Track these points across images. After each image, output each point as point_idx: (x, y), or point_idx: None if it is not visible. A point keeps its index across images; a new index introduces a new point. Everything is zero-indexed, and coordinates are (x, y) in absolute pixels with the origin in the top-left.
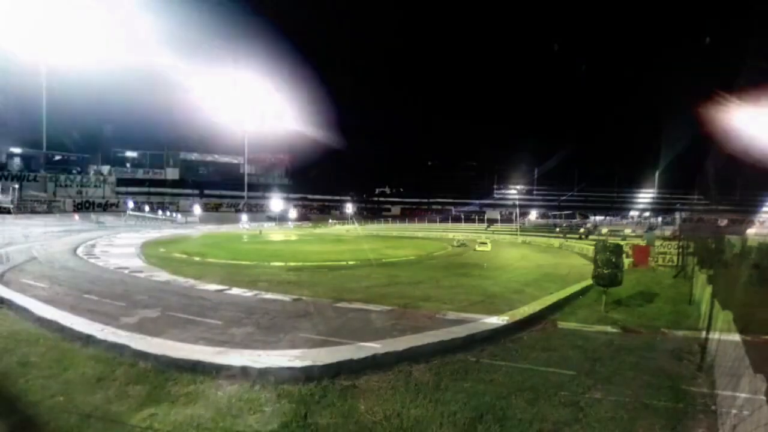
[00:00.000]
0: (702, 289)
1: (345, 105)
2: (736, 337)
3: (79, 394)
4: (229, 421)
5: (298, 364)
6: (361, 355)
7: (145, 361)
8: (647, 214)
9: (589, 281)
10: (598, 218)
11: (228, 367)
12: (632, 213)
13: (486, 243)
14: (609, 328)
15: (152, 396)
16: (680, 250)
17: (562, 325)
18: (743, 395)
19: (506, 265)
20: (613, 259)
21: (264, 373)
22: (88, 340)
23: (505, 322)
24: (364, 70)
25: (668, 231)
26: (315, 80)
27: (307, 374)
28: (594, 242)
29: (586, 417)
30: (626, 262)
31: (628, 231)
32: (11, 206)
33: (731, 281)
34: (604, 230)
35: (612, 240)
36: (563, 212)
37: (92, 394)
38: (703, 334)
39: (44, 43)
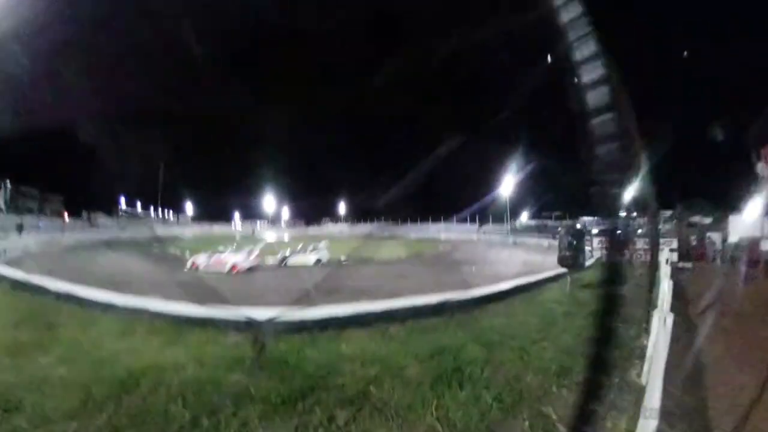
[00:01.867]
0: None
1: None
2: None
3: (107, 343)
4: (236, 353)
5: (294, 317)
6: (345, 312)
7: (161, 319)
8: (634, 214)
9: (563, 269)
10: (588, 219)
11: (234, 321)
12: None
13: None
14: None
15: (171, 342)
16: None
17: (527, 299)
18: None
19: (494, 261)
20: (575, 243)
21: (265, 324)
22: (107, 307)
23: (473, 296)
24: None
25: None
26: None
27: (301, 326)
28: None
29: (529, 358)
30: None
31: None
32: (2, 206)
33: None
34: (594, 230)
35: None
36: (553, 213)
37: (118, 343)
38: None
39: None
